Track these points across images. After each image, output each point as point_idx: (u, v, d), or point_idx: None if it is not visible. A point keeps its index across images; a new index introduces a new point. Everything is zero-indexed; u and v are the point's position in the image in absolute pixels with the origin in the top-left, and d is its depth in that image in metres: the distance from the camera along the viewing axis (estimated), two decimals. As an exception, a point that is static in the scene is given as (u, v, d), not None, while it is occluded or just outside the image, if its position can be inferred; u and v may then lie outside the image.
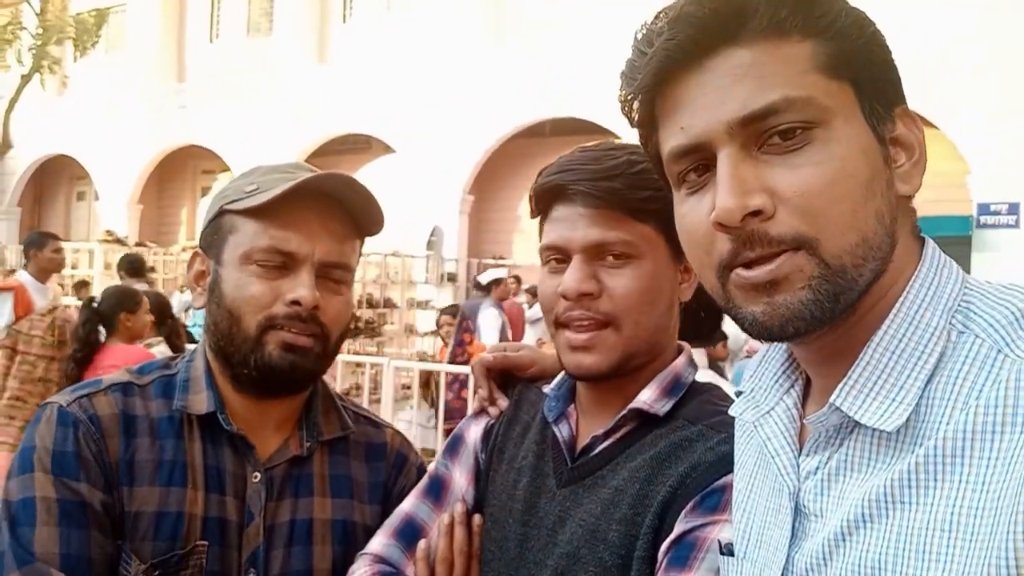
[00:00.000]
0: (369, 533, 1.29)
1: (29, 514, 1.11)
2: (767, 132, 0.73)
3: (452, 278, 15.46)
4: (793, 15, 0.74)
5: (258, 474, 1.23)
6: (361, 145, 17.78)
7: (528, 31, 15.25)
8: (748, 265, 0.74)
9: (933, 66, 10.69)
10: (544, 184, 1.13)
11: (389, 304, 14.27)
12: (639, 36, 0.80)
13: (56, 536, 1.10)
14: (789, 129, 0.72)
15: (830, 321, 0.73)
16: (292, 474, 1.27)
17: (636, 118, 0.84)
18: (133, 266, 7.30)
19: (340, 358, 5.98)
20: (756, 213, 0.72)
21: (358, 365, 7.25)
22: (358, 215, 1.27)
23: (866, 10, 0.77)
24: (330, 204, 1.24)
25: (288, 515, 1.25)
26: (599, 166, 1.09)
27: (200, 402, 1.23)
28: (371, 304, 12.47)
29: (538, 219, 1.18)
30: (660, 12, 0.78)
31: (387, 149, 16.91)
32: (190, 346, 3.72)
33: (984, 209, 11.59)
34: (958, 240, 11.14)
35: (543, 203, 1.15)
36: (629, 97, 0.82)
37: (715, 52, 0.75)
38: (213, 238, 1.26)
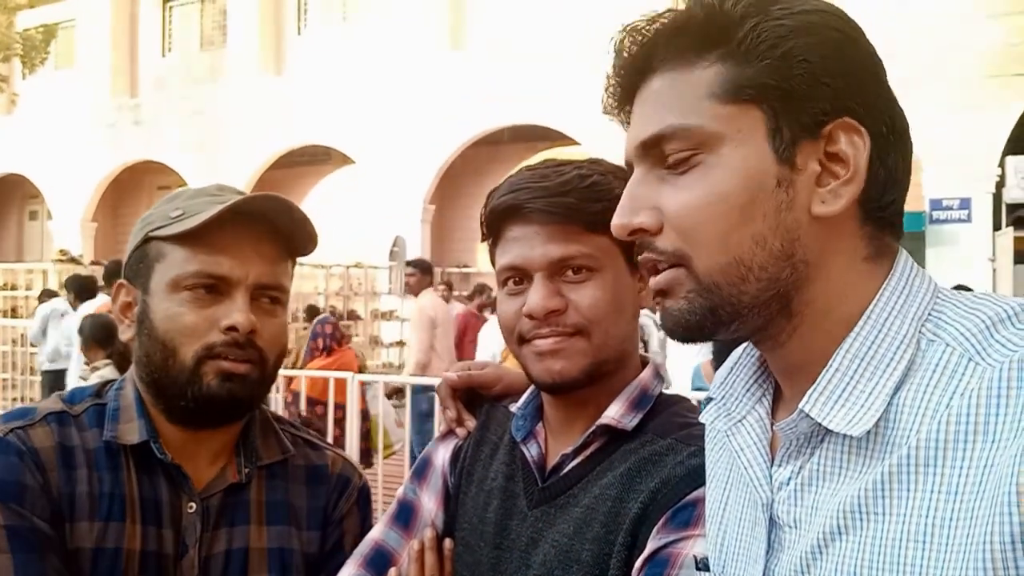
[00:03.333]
0: (308, 560, 1.26)
1: None
2: (661, 156, 0.78)
3: (416, 288, 15.37)
4: (698, 42, 0.76)
5: (193, 504, 1.19)
6: (320, 156, 17.64)
7: (485, 39, 15.27)
8: (649, 273, 0.82)
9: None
10: (496, 205, 1.12)
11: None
12: None
13: (10, 564, 1.04)
14: (675, 154, 0.77)
15: (717, 330, 0.78)
16: (229, 502, 1.22)
17: None
18: (83, 287, 7.23)
19: (303, 374, 5.93)
20: (641, 229, 0.79)
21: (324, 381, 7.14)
22: (289, 235, 1.24)
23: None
24: (260, 225, 1.20)
25: (224, 545, 1.20)
26: (550, 183, 1.09)
27: (131, 432, 1.18)
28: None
29: (488, 241, 1.17)
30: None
31: (347, 160, 16.79)
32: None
33: (936, 205, 11.80)
34: (912, 236, 11.30)
35: (496, 225, 1.14)
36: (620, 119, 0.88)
37: (645, 79, 0.81)
38: (139, 267, 1.21)
